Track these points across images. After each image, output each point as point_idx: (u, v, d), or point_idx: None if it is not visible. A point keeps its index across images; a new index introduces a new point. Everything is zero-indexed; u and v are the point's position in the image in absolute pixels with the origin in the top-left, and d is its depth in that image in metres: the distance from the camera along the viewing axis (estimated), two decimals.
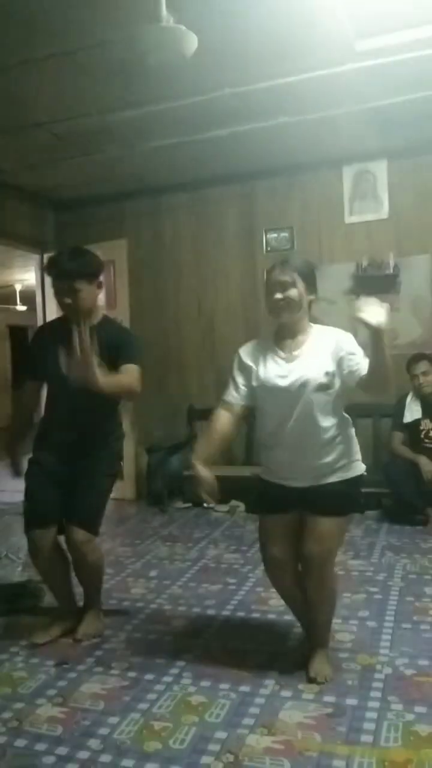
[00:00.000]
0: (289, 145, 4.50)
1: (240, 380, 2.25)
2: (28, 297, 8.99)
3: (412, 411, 4.32)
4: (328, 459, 2.17)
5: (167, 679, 2.27)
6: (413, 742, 1.84)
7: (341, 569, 3.38)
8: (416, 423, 4.31)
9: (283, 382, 2.14)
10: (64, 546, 2.63)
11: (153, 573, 3.44)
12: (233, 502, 4.70)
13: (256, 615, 2.78)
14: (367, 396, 2.13)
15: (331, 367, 2.13)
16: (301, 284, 2.15)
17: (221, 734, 1.91)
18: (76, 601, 2.75)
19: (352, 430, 2.26)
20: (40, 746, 1.89)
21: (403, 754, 1.79)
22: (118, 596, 3.11)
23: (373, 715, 1.99)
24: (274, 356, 2.20)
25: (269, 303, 2.19)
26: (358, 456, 2.25)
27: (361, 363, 2.09)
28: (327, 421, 2.15)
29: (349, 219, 4.93)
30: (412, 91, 3.68)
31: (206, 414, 4.99)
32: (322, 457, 2.17)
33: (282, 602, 2.88)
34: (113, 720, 2.02)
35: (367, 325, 1.90)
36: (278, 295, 2.15)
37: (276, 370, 2.17)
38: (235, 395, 2.24)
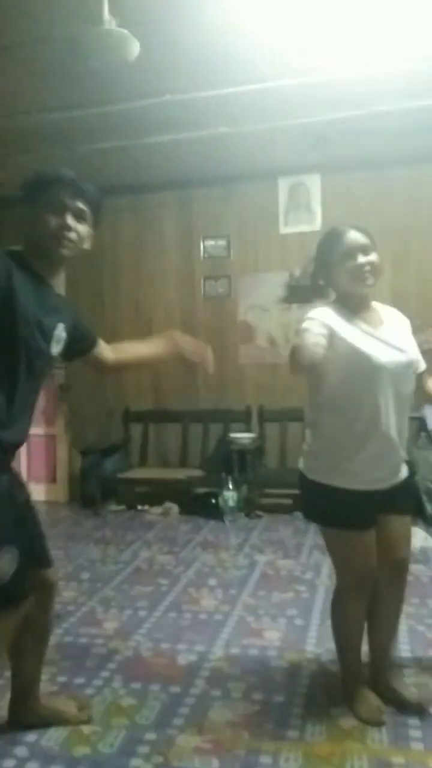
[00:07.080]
0: (228, 154, 4.57)
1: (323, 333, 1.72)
2: None
3: None
4: (404, 450, 1.93)
5: (97, 682, 2.26)
6: (337, 735, 1.92)
7: (271, 569, 3.46)
8: None
9: (381, 360, 1.79)
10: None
11: (85, 576, 3.41)
12: (167, 504, 4.71)
13: (187, 615, 2.81)
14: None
15: (415, 346, 1.90)
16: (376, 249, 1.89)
17: (151, 736, 1.93)
18: None
19: None
20: None
21: (327, 748, 1.86)
22: None
23: (299, 710, 2.06)
24: (360, 329, 1.84)
25: (350, 269, 1.84)
26: None
27: (419, 357, 1.93)
28: (410, 406, 1.92)
29: (284, 229, 5.06)
30: (345, 109, 3.81)
31: (142, 416, 5.04)
32: (404, 448, 1.91)
33: (213, 602, 2.94)
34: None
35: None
36: (362, 259, 1.84)
37: (370, 345, 1.80)
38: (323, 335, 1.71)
